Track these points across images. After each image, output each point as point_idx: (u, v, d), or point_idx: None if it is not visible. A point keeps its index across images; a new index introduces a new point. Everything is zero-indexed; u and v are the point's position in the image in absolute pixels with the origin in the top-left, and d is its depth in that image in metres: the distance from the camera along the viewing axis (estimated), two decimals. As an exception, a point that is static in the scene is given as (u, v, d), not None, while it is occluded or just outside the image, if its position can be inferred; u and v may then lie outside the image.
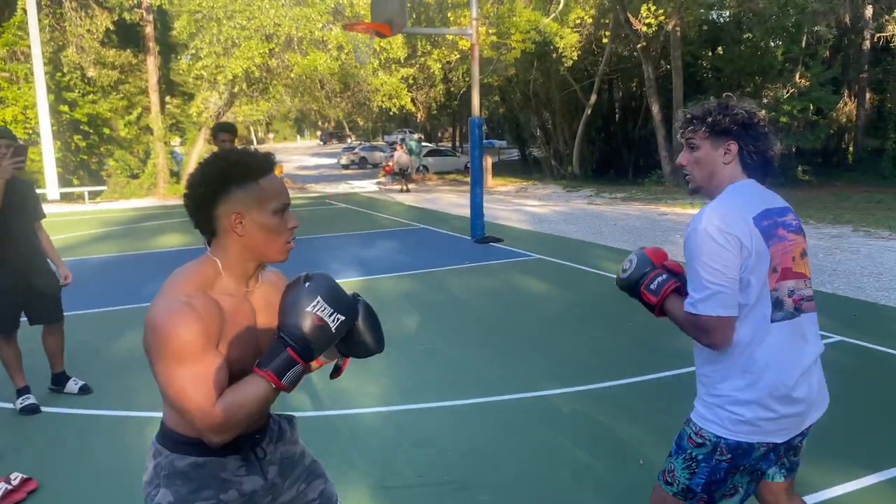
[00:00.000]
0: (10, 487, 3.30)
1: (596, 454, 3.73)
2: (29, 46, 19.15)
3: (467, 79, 20.85)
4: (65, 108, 20.83)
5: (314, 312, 1.49)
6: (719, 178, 1.96)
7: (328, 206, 17.95)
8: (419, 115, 30.89)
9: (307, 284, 1.54)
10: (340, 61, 19.26)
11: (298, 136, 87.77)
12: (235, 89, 20.67)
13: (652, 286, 2.01)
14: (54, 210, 18.10)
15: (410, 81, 23.26)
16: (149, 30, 22.46)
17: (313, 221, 14.33)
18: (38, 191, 15.70)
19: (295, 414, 4.13)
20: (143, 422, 4.19)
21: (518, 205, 17.20)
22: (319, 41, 19.29)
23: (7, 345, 4.40)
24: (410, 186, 23.11)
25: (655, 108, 21.45)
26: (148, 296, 7.10)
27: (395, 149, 25.71)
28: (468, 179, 23.86)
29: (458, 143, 41.38)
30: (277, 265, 1.68)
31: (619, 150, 27.01)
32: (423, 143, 31.30)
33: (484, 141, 36.50)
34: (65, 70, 21.26)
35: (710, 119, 1.94)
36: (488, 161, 24.67)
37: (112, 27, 22.04)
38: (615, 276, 2.17)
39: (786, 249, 1.91)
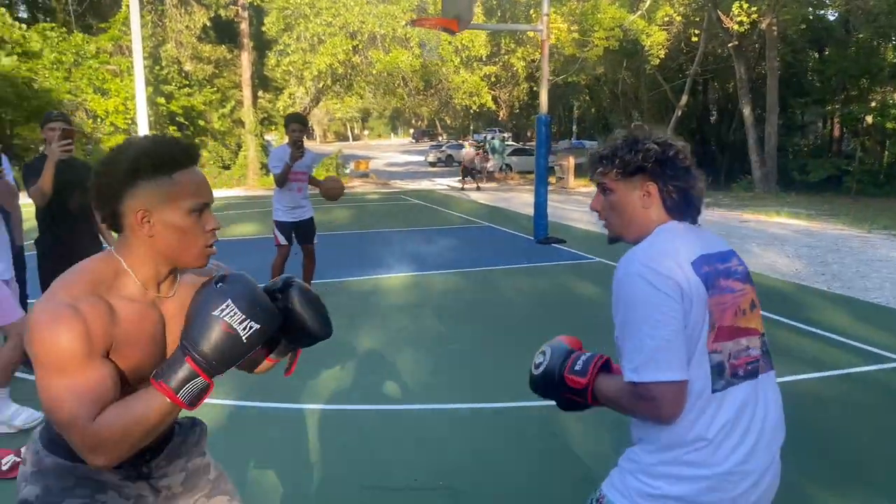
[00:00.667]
0: (18, 460, 3.42)
1: (604, 468, 3.52)
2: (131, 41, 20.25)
3: (552, 77, 20.54)
4: (161, 100, 21.89)
5: (222, 318, 1.30)
6: (640, 223, 1.67)
7: (402, 201, 18.10)
8: (501, 114, 30.72)
9: (218, 286, 1.35)
10: (422, 59, 19.39)
11: (392, 134, 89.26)
12: (320, 85, 21.15)
13: (577, 367, 1.67)
14: (146, 197, 19.08)
15: (492, 80, 23.14)
16: (244, 26, 23.28)
17: (380, 216, 14.48)
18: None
19: (306, 406, 4.15)
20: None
21: (594, 207, 16.78)
22: (402, 38, 19.48)
23: None
24: (490, 185, 23.00)
25: (747, 111, 20.50)
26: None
27: (480, 147, 25.58)
28: (551, 179, 23.59)
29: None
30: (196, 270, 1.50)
31: (711, 154, 25.97)
32: (509, 143, 31.06)
33: (574, 141, 35.70)
34: (163, 64, 22.34)
35: (617, 158, 1.66)
36: (571, 161, 24.22)
37: (209, 23, 23.00)
38: (530, 378, 1.79)
39: (727, 302, 1.56)
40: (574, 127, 46.58)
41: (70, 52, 21.11)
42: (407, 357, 5.16)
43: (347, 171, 27.63)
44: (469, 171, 22.27)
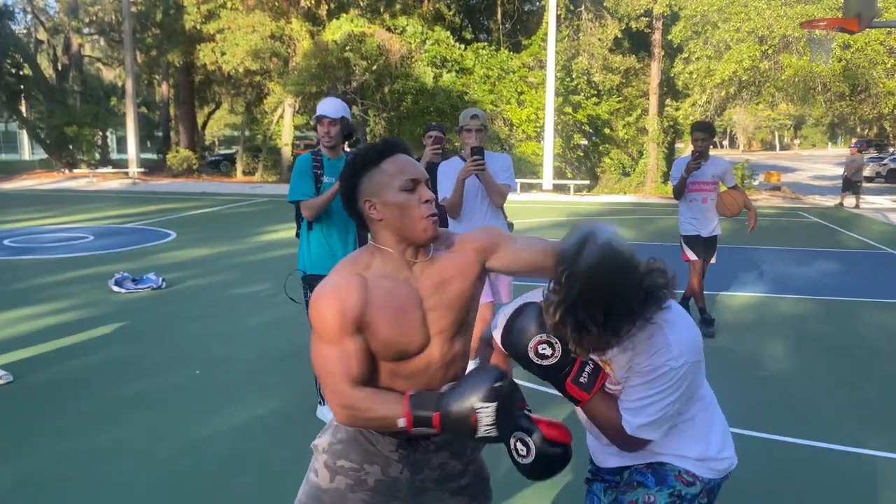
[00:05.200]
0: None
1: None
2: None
3: None
4: (568, 109, 23.45)
5: (475, 410, 1.45)
6: None
7: (798, 218, 16.41)
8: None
9: (496, 384, 1.47)
10: (845, 61, 17.26)
11: (830, 143, 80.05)
12: (723, 93, 20.30)
13: (582, 379, 1.64)
14: (543, 198, 20.75)
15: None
16: (656, 35, 23.49)
17: (762, 232, 13.42)
18: (535, 181, 18.87)
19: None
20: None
21: None
22: (819, 41, 17.59)
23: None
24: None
25: None
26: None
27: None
28: None
29: None
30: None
31: None
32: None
33: None
34: (574, 76, 23.87)
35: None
36: None
37: (619, 34, 23.82)
38: (534, 360, 1.62)
39: None
40: None
41: (496, 67, 24.00)
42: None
43: (755, 182, 25.92)
44: (852, 184, 18.87)
